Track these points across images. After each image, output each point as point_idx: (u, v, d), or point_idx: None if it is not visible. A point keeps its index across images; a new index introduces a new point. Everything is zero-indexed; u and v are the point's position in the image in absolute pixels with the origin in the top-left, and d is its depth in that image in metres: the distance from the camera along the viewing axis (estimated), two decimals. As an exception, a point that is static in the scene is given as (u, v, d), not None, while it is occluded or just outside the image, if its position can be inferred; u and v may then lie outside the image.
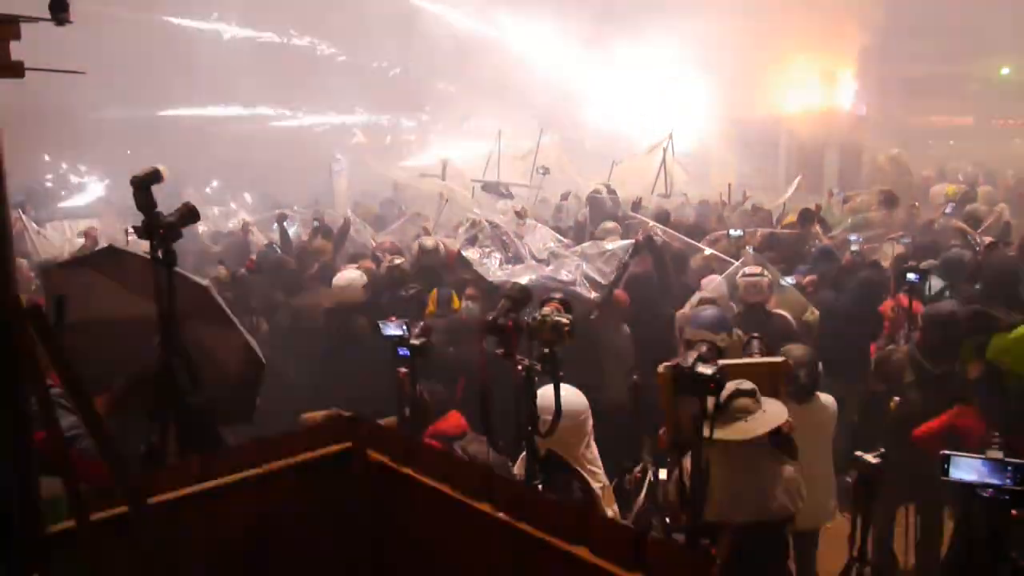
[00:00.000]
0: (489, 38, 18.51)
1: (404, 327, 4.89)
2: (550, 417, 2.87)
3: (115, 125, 16.38)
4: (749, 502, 3.26)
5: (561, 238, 7.43)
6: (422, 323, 5.32)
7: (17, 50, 1.76)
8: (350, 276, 6.20)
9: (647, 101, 17.87)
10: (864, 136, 18.56)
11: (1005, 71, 19.76)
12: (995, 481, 3.12)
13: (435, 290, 6.06)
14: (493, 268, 6.31)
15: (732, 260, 6.55)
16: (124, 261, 3.61)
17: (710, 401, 2.40)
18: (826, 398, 4.36)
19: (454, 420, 4.03)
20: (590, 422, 3.27)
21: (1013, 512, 3.08)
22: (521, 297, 2.93)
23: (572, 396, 3.20)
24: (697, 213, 11.11)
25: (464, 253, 6.64)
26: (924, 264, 6.00)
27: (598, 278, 6.05)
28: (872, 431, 4.63)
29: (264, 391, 3.71)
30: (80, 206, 14.79)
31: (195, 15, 17.22)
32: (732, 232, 8.20)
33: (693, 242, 7.70)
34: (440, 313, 5.91)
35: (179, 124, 17.32)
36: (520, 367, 2.79)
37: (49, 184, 16.33)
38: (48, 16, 1.94)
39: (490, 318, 2.83)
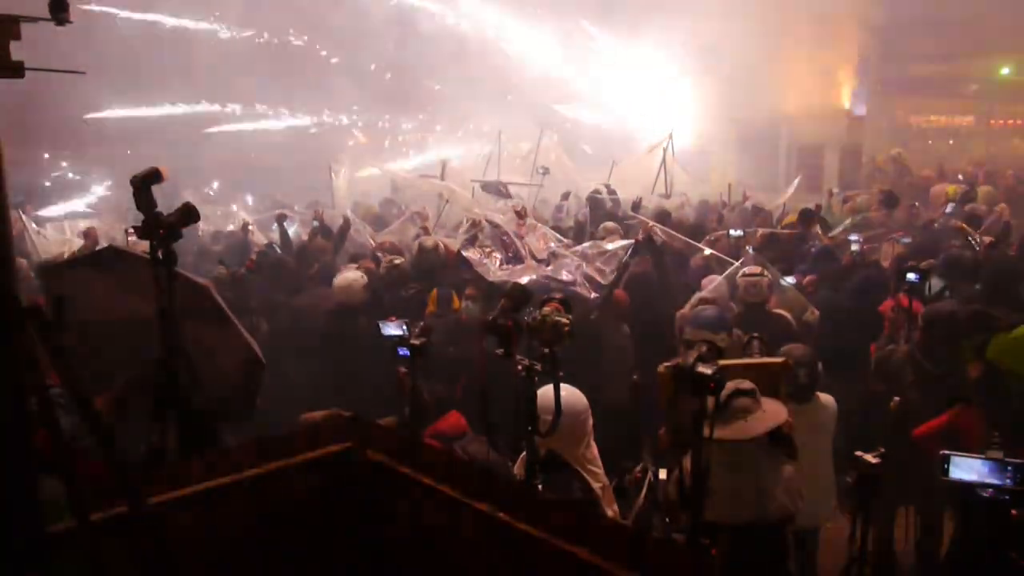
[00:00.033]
0: (489, 38, 18.51)
1: (404, 327, 4.90)
2: (550, 417, 2.87)
3: (115, 125, 16.39)
4: (749, 502, 3.25)
5: (561, 238, 7.43)
6: (422, 323, 5.32)
7: (17, 50, 1.76)
8: (350, 277, 6.19)
9: (647, 101, 17.87)
10: (864, 136, 18.58)
11: (1005, 71, 19.77)
12: (995, 481, 3.12)
13: (435, 290, 6.06)
14: (493, 268, 6.31)
15: (732, 260, 6.55)
16: (124, 261, 3.60)
17: (710, 401, 2.40)
18: (826, 398, 4.36)
19: (454, 420, 4.03)
20: (590, 422, 3.27)
21: (1013, 512, 3.08)
22: (521, 297, 2.93)
23: (572, 396, 3.19)
24: (697, 213, 11.10)
25: (464, 253, 6.63)
26: (924, 264, 5.98)
27: (598, 278, 6.05)
28: (872, 431, 4.63)
29: (264, 391, 3.70)
30: (80, 206, 14.80)
31: (194, 15, 17.20)
32: (732, 232, 8.20)
33: (693, 242, 7.70)
34: (440, 313, 5.91)
35: (179, 124, 17.32)
36: (520, 367, 2.79)
37: (49, 184, 16.33)
38: (48, 16, 1.94)
39: (490, 318, 2.83)
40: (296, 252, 8.37)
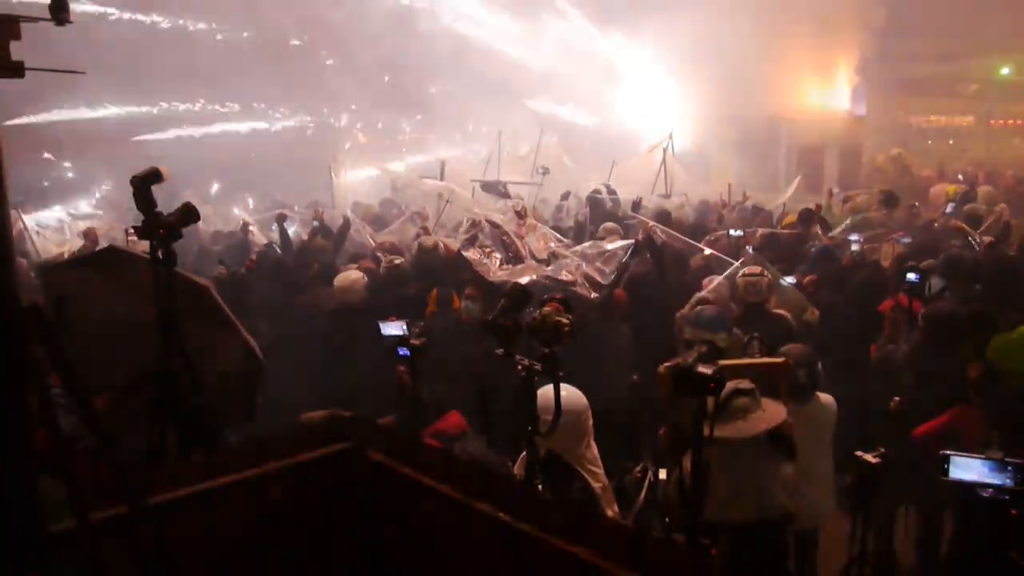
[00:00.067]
0: (489, 39, 18.51)
1: (404, 327, 4.90)
2: (550, 417, 2.87)
3: (115, 125, 16.37)
4: (749, 502, 3.25)
5: (561, 238, 7.43)
6: (422, 323, 5.32)
7: (17, 50, 1.76)
8: (350, 277, 6.20)
9: (647, 101, 17.88)
10: (864, 136, 18.58)
11: (1005, 71, 19.78)
12: (995, 481, 3.12)
13: (435, 290, 6.07)
14: (493, 268, 6.32)
15: (732, 260, 6.55)
16: (124, 261, 3.61)
17: (710, 401, 2.40)
18: (826, 398, 4.36)
19: (454, 420, 4.03)
20: (590, 422, 3.27)
21: (1013, 512, 3.08)
22: (521, 297, 2.93)
23: (572, 396, 3.19)
24: (697, 213, 11.10)
25: (464, 253, 6.64)
26: (924, 264, 6.00)
27: (598, 278, 6.05)
28: (872, 431, 4.63)
29: (264, 391, 3.71)
30: (80, 206, 14.79)
31: (195, 15, 17.20)
32: (732, 232, 8.20)
33: (693, 242, 7.70)
34: (440, 313, 5.91)
35: (179, 124, 17.30)
36: (520, 367, 2.79)
37: (48, 184, 16.32)
38: (48, 16, 1.94)
39: (490, 318, 2.83)
40: (296, 252, 8.37)
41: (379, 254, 7.51)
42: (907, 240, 7.84)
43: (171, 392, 3.03)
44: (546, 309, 2.89)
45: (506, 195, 11.04)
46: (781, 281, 6.30)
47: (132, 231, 6.22)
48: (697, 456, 2.46)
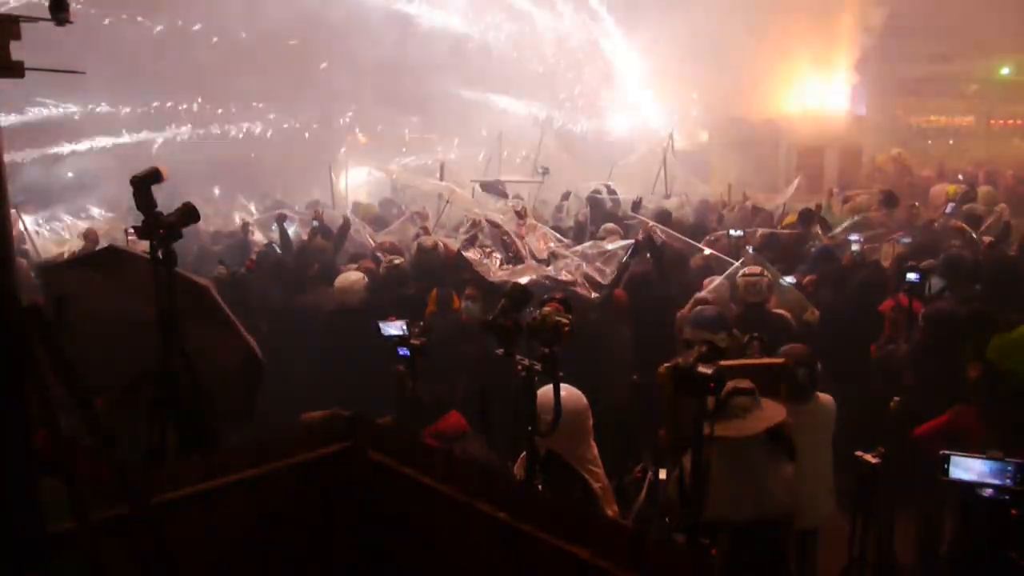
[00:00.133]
0: (489, 39, 18.51)
1: (404, 327, 4.89)
2: (550, 417, 2.87)
3: (115, 124, 16.37)
4: (748, 502, 3.25)
5: (561, 238, 7.43)
6: (422, 323, 5.32)
7: (17, 50, 1.76)
8: (351, 277, 6.20)
9: (648, 100, 17.88)
10: (864, 136, 18.58)
11: (1005, 71, 19.78)
12: (995, 481, 3.12)
13: (435, 290, 6.06)
14: (493, 268, 6.31)
15: (732, 260, 6.55)
16: (124, 261, 3.60)
17: (710, 401, 2.40)
18: (826, 398, 4.35)
19: (454, 420, 4.02)
20: (590, 422, 3.27)
21: (1013, 512, 3.08)
22: (521, 297, 2.93)
23: (572, 396, 3.19)
24: (697, 213, 11.11)
25: (464, 253, 6.63)
26: (924, 264, 5.99)
27: (598, 278, 6.05)
28: (872, 431, 4.63)
29: (264, 391, 3.70)
30: (80, 206, 14.79)
31: (195, 15, 17.19)
32: (732, 232, 8.20)
33: (693, 242, 7.70)
34: (440, 313, 5.91)
35: (179, 124, 17.30)
36: (520, 367, 2.79)
37: (48, 184, 16.31)
38: (48, 16, 1.94)
39: (490, 318, 2.83)
40: (296, 252, 8.37)
41: (379, 254, 7.51)
42: (907, 240, 7.84)
43: (171, 392, 3.03)
44: (546, 309, 2.89)
45: (504, 194, 11.04)
46: (781, 281, 6.30)
47: (132, 231, 6.22)
48: (697, 456, 2.46)
